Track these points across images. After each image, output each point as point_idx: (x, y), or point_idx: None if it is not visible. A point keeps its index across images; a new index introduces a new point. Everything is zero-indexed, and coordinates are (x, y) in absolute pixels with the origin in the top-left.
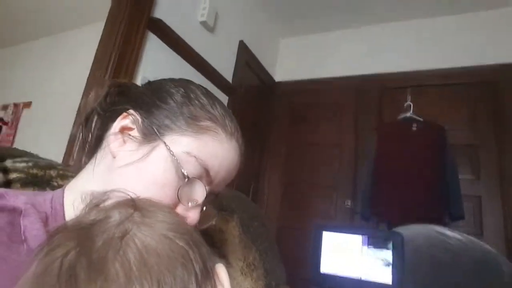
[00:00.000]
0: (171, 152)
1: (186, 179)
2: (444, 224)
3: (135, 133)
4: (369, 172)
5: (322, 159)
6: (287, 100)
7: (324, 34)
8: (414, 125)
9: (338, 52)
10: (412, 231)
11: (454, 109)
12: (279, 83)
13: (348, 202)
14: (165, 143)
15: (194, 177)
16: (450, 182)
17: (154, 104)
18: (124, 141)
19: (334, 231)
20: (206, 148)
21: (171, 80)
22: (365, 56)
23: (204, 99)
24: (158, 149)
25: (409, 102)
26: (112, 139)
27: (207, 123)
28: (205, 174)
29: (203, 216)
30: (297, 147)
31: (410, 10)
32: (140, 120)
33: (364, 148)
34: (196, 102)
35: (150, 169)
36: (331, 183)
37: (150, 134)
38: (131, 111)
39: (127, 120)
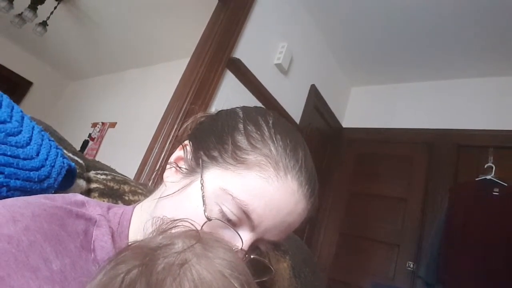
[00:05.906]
0: (202, 188)
1: (207, 220)
2: None
3: (182, 164)
4: (438, 234)
5: (386, 213)
6: (353, 148)
7: (396, 86)
8: (496, 189)
9: (410, 104)
10: None
11: None
12: (347, 129)
13: (411, 264)
14: (201, 177)
15: (231, 219)
16: None
17: (208, 134)
18: (175, 172)
19: None
20: (248, 186)
21: (242, 108)
22: (440, 110)
23: (265, 130)
24: (195, 183)
25: (490, 164)
26: (167, 168)
27: (255, 157)
28: (246, 217)
29: (261, 267)
30: (359, 196)
31: (491, 68)
32: (189, 150)
33: (433, 207)
34: (251, 133)
35: (185, 203)
36: (393, 241)
37: (196, 166)
38: (186, 141)
39: (181, 150)
